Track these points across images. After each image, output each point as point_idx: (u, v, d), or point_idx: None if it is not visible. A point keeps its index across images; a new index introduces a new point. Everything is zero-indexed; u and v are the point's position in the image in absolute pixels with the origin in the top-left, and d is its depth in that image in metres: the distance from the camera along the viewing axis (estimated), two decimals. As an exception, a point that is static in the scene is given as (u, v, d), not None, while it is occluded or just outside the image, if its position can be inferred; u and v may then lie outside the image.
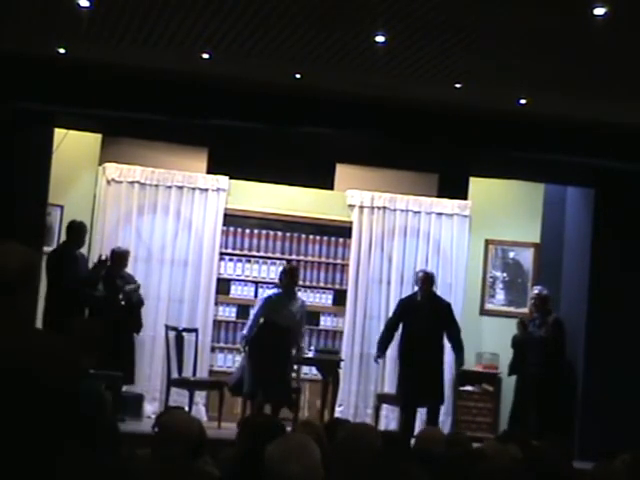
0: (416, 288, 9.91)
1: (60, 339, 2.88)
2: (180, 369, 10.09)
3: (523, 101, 8.87)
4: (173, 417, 4.27)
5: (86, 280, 9.41)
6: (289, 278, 9.73)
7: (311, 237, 11.11)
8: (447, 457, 4.45)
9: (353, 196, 11.09)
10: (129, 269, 10.03)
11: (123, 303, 9.58)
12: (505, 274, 11.34)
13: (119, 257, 9.73)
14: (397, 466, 3.38)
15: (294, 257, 11.04)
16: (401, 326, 9.79)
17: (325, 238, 11.15)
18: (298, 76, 8.68)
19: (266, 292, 10.12)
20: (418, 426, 9.80)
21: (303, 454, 3.26)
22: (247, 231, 11.00)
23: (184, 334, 10.24)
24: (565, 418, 10.00)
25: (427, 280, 9.81)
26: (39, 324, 9.23)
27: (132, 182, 10.58)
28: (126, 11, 7.20)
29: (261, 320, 9.70)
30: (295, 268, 9.96)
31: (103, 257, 9.51)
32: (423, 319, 9.62)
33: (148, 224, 10.63)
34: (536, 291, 10.19)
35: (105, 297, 9.47)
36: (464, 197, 11.26)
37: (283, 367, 9.49)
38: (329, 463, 4.08)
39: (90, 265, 9.76)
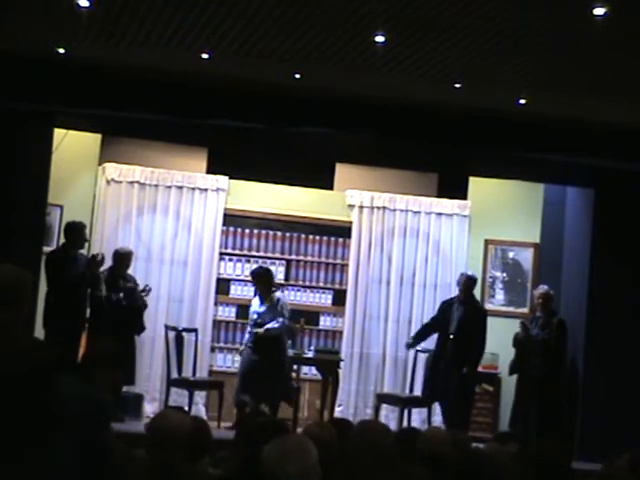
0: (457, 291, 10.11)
1: (41, 343, 3.10)
2: (180, 369, 10.09)
3: (523, 101, 8.87)
4: (164, 418, 4.27)
5: (84, 279, 9.37)
6: (257, 284, 9.86)
7: (311, 237, 11.12)
8: (449, 457, 4.45)
9: (353, 196, 11.09)
10: (129, 268, 10.02)
11: (125, 304, 9.56)
12: (505, 274, 11.33)
13: (122, 257, 9.71)
14: (408, 465, 3.39)
15: (294, 257, 11.05)
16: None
17: (325, 238, 11.15)
18: (298, 76, 8.68)
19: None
20: (419, 426, 9.84)
21: (300, 454, 3.25)
22: (247, 231, 11.01)
23: (184, 334, 10.24)
24: (566, 418, 10.00)
25: (465, 283, 9.97)
26: (39, 324, 9.24)
27: (132, 182, 10.58)
28: (126, 11, 7.19)
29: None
30: (259, 274, 9.90)
31: (99, 257, 9.47)
32: (456, 321, 9.77)
33: (148, 224, 10.63)
34: (542, 290, 10.12)
35: (107, 297, 9.46)
36: (464, 197, 11.26)
37: (268, 368, 9.51)
38: (341, 462, 4.09)
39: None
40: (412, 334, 10.36)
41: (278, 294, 9.86)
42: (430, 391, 9.92)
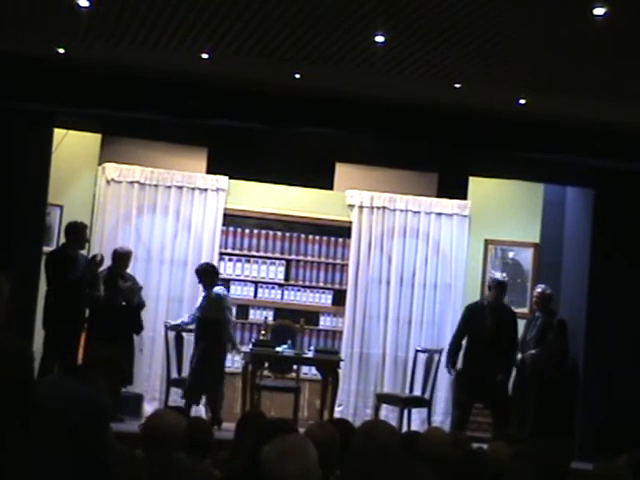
0: (486, 293, 10.07)
1: (17, 340, 3.16)
2: (180, 369, 10.08)
3: (523, 101, 8.87)
4: (158, 417, 4.29)
5: (84, 279, 9.35)
6: (202, 278, 9.78)
7: (311, 237, 11.12)
8: (450, 457, 4.45)
9: (353, 196, 11.09)
10: (129, 268, 10.03)
11: (124, 304, 9.56)
12: (505, 274, 11.32)
13: (121, 257, 9.69)
14: (412, 466, 3.38)
15: (294, 257, 11.05)
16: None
17: (325, 238, 11.15)
18: (298, 76, 8.68)
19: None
20: (419, 426, 9.85)
21: (300, 454, 3.25)
22: (247, 231, 11.01)
23: (184, 334, 10.23)
24: (566, 418, 9.99)
25: (498, 287, 9.91)
26: (38, 324, 9.25)
27: (132, 182, 10.58)
28: (126, 11, 7.19)
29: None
30: (204, 269, 9.85)
31: (98, 257, 9.48)
32: (486, 324, 9.71)
33: (147, 224, 10.63)
34: (539, 289, 10.14)
35: (105, 297, 9.45)
36: (464, 197, 11.26)
37: (204, 361, 9.57)
38: (342, 462, 4.09)
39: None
40: (448, 356, 9.94)
41: (217, 289, 9.83)
42: (469, 393, 9.83)
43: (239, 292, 10.95)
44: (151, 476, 3.97)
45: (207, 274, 9.79)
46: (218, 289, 9.81)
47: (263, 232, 11.03)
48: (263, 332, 10.25)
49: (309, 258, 11.11)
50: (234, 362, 10.64)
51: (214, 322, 9.65)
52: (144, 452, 4.14)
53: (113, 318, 9.29)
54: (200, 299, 9.87)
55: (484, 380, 9.57)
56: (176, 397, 9.99)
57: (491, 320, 9.73)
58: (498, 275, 11.08)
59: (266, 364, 10.20)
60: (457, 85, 8.50)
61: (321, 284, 11.14)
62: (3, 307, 4.03)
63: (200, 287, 9.92)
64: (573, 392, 10.15)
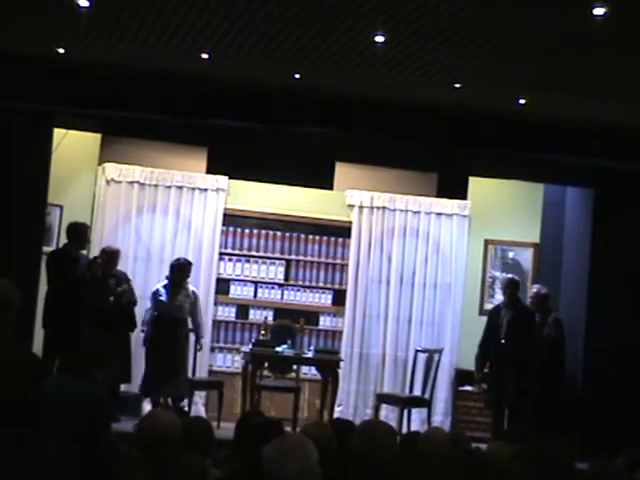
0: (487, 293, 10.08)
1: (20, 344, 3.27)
2: (180, 369, 10.07)
3: (523, 101, 8.87)
4: (152, 418, 4.30)
5: (84, 279, 9.35)
6: (178, 274, 9.73)
7: (310, 237, 11.12)
8: (449, 457, 4.45)
9: (352, 196, 11.09)
10: (129, 268, 10.02)
11: (111, 300, 9.50)
12: (504, 274, 11.32)
13: (109, 256, 9.66)
14: (411, 466, 3.38)
15: (294, 257, 11.05)
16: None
17: (325, 238, 11.15)
18: (298, 76, 8.68)
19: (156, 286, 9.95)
20: (419, 426, 9.85)
21: (300, 454, 3.25)
22: (246, 231, 11.01)
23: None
24: (567, 418, 9.99)
25: (509, 286, 9.91)
26: (38, 324, 9.25)
27: (131, 182, 10.58)
28: (126, 11, 7.20)
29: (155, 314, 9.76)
30: (185, 265, 9.82)
31: (99, 260, 9.48)
32: (504, 324, 9.71)
33: (147, 224, 10.63)
34: (534, 290, 10.19)
35: (100, 297, 9.42)
36: (463, 197, 11.26)
37: (177, 359, 9.55)
38: (344, 462, 4.09)
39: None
40: (475, 363, 9.97)
41: (192, 287, 9.88)
42: (493, 395, 9.82)
43: (239, 292, 10.95)
44: (148, 476, 3.97)
45: (189, 271, 9.80)
46: (192, 287, 9.85)
47: (263, 232, 11.03)
48: (263, 332, 10.25)
49: (309, 258, 11.11)
50: (234, 362, 10.65)
51: (183, 321, 9.68)
52: (139, 453, 4.14)
53: (105, 317, 9.26)
54: (163, 293, 9.69)
55: (499, 379, 9.58)
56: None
57: (506, 320, 9.75)
58: (505, 274, 11.09)
59: (266, 364, 10.20)
60: (457, 85, 8.50)
61: (321, 284, 11.14)
62: (14, 315, 4.12)
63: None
64: (573, 392, 10.16)
